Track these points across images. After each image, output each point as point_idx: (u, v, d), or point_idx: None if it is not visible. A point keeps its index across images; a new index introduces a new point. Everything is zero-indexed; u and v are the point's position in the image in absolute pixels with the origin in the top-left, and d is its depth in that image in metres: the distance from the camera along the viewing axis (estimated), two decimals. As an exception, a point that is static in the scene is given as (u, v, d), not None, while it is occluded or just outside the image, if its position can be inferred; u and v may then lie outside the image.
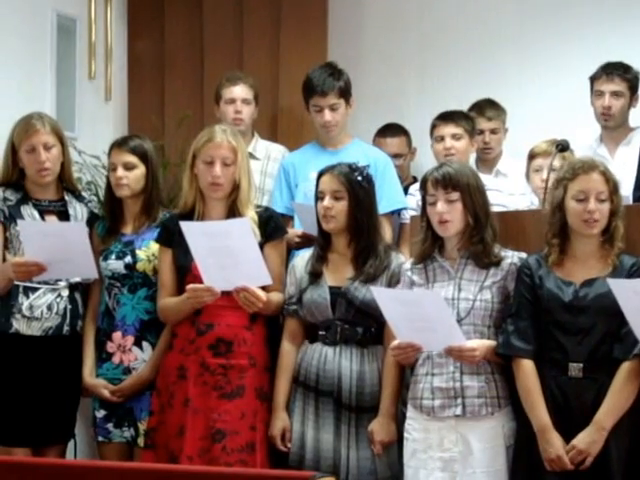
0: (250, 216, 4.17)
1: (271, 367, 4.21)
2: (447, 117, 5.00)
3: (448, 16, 5.93)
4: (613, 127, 5.14)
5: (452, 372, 3.77)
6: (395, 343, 3.80)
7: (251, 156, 5.07)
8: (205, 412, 4.11)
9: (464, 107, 5.24)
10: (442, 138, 4.96)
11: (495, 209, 4.06)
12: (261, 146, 5.30)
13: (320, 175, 4.18)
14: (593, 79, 5.13)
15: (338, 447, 4.01)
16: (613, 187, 3.69)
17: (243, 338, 4.16)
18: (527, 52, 5.74)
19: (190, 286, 4.09)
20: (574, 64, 5.53)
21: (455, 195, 3.83)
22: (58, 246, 4.17)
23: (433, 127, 5.02)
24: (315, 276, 4.14)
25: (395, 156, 5.41)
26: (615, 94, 5.07)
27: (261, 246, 4.10)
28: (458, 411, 3.75)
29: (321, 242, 4.19)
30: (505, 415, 3.78)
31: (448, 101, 5.38)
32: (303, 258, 4.24)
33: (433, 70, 5.93)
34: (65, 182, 4.52)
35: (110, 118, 5.99)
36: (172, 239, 4.24)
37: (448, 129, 4.95)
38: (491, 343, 3.76)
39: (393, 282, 4.04)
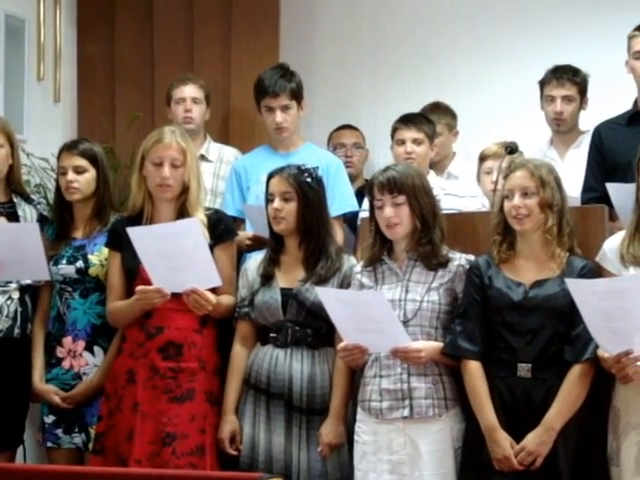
0: (199, 218, 4.15)
1: (221, 370, 4.19)
2: (409, 121, 4.93)
3: (399, 20, 5.96)
4: (564, 131, 5.14)
5: (400, 374, 3.77)
6: (342, 345, 3.80)
7: (203, 158, 5.08)
8: (154, 416, 4.07)
9: (415, 110, 5.24)
10: (403, 142, 4.91)
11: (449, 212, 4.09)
12: (214, 148, 5.30)
13: (269, 177, 4.16)
14: (543, 83, 5.10)
15: (289, 449, 4.00)
16: (539, 182, 3.70)
17: (193, 341, 4.14)
18: (477, 54, 5.78)
19: (139, 287, 4.06)
20: (524, 66, 5.56)
21: (401, 198, 3.83)
22: (10, 247, 4.14)
23: (394, 130, 4.96)
24: (267, 278, 4.12)
25: (355, 146, 5.51)
26: (566, 99, 5.05)
27: (211, 248, 4.07)
28: (405, 412, 3.74)
29: (273, 244, 4.18)
30: (453, 417, 3.78)
31: (400, 104, 5.39)
32: (256, 261, 4.22)
33: (385, 74, 5.96)
34: (13, 184, 4.48)
35: (59, 120, 5.94)
36: (120, 242, 4.20)
37: (410, 134, 4.89)
38: (438, 345, 3.77)
39: (345, 284, 4.03)
